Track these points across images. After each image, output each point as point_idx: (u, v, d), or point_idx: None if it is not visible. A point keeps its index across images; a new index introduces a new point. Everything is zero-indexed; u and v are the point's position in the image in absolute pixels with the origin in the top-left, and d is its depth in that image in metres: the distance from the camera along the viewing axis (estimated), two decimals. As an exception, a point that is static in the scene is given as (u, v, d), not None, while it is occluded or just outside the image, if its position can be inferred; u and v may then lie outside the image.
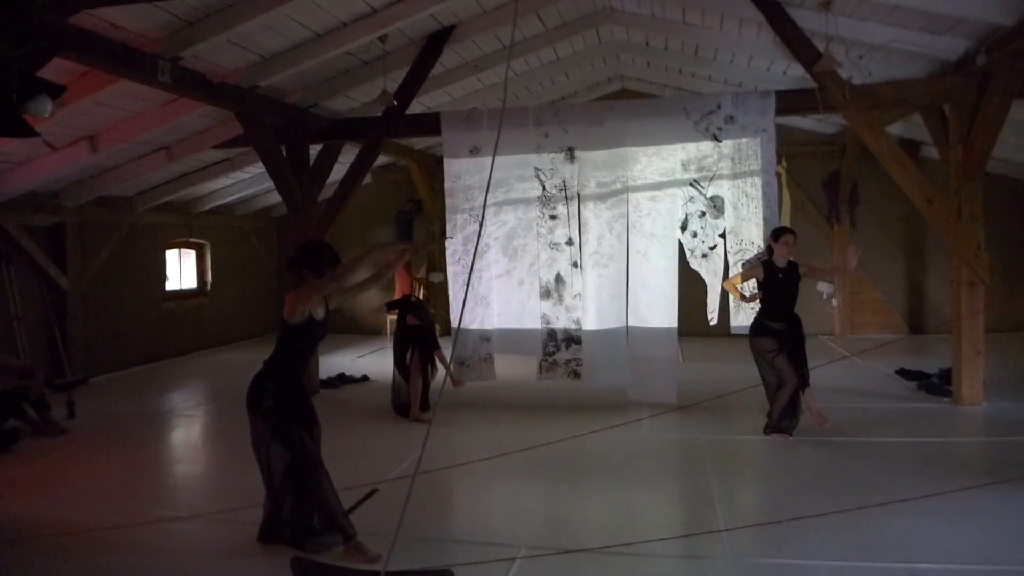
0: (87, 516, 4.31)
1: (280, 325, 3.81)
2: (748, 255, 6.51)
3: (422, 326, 6.74)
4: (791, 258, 5.75)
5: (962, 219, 6.34)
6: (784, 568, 3.49)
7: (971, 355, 6.42)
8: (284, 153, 7.45)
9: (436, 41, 7.10)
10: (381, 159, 11.33)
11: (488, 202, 6.97)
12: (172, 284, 10.54)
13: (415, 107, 7.89)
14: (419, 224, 11.97)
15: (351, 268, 3.90)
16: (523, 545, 3.78)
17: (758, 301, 5.96)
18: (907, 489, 4.28)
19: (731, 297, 6.55)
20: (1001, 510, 4.10)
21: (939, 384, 7.00)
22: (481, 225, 6.44)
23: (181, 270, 10.90)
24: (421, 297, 11.64)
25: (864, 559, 3.53)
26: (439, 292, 11.26)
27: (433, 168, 11.18)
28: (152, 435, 6.41)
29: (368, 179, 11.98)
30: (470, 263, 6.87)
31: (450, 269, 7.15)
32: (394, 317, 11.82)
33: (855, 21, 6.27)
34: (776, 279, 5.71)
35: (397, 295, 11.64)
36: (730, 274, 6.51)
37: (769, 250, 5.86)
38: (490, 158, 6.97)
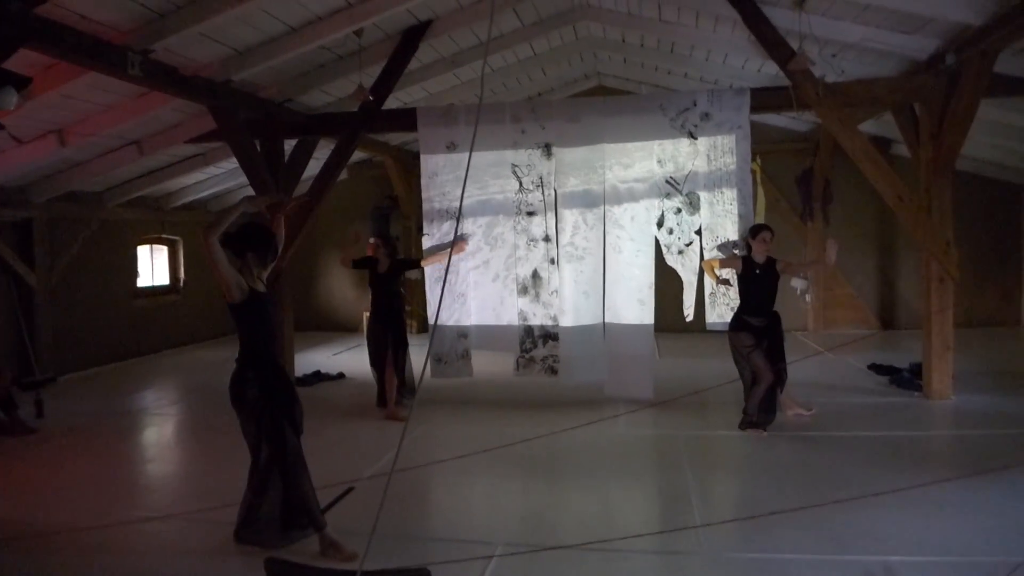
0: (55, 517, 4.23)
1: (232, 315, 3.78)
2: (723, 251, 6.56)
3: (397, 316, 6.69)
4: (768, 255, 5.82)
5: (932, 216, 6.45)
6: (760, 562, 3.53)
7: (941, 350, 6.53)
8: (258, 148, 7.35)
9: (412, 36, 7.05)
10: (357, 155, 11.22)
11: (465, 198, 6.95)
12: (144, 281, 10.38)
13: (391, 102, 7.83)
14: (395, 220, 11.90)
15: (221, 220, 3.68)
16: (500, 543, 3.77)
17: (736, 295, 6.01)
18: (879, 482, 4.34)
19: (707, 293, 6.61)
20: (971, 502, 4.17)
21: (910, 378, 7.12)
22: (458, 221, 6.42)
23: (153, 267, 10.73)
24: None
25: (838, 552, 3.58)
26: (416, 288, 11.20)
27: (410, 164, 11.11)
28: (122, 434, 6.30)
29: (344, 175, 11.91)
30: (447, 260, 6.85)
31: (426, 265, 7.11)
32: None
33: (828, 20, 6.34)
34: (754, 275, 5.77)
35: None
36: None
37: (748, 247, 5.91)
38: (467, 154, 6.96)
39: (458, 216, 4.99)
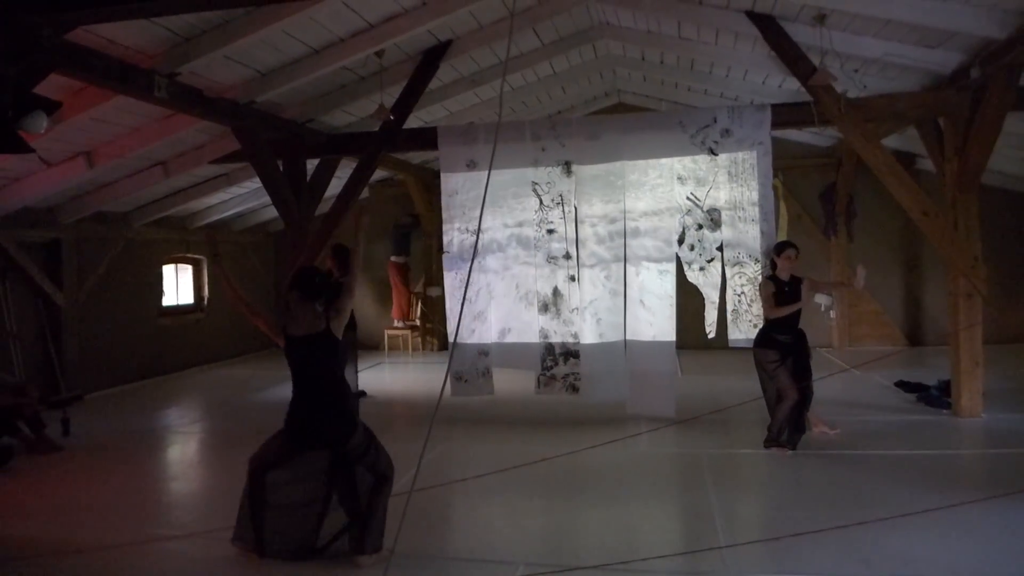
0: (82, 535, 4.27)
1: None
2: (745, 268, 6.52)
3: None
4: (794, 272, 5.78)
5: (959, 231, 6.35)
6: (787, 584, 3.47)
7: (970, 367, 6.40)
8: (281, 168, 7.45)
9: (433, 56, 7.12)
10: (379, 173, 11.34)
11: (485, 216, 6.97)
12: (169, 300, 10.51)
13: (412, 122, 7.90)
14: (416, 238, 11.97)
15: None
16: (522, 562, 3.74)
17: (760, 311, 5.96)
18: (908, 503, 4.25)
19: (729, 309, 6.56)
20: (1002, 524, 4.06)
21: (938, 396, 6.98)
22: (477, 239, 6.43)
23: (178, 286, 10.87)
24: (418, 312, 11.62)
25: (865, 574, 3.50)
26: (437, 307, 11.24)
27: (431, 182, 11.18)
28: (148, 453, 6.35)
29: (366, 193, 11.97)
30: (467, 277, 6.87)
31: (447, 283, 7.14)
32: (393, 332, 11.85)
33: (849, 35, 6.31)
34: (782, 292, 5.72)
35: (395, 310, 11.65)
36: (728, 286, 6.54)
37: (772, 264, 5.87)
38: (487, 172, 6.99)
39: (477, 233, 4.98)
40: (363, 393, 8.49)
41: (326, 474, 3.81)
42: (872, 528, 3.91)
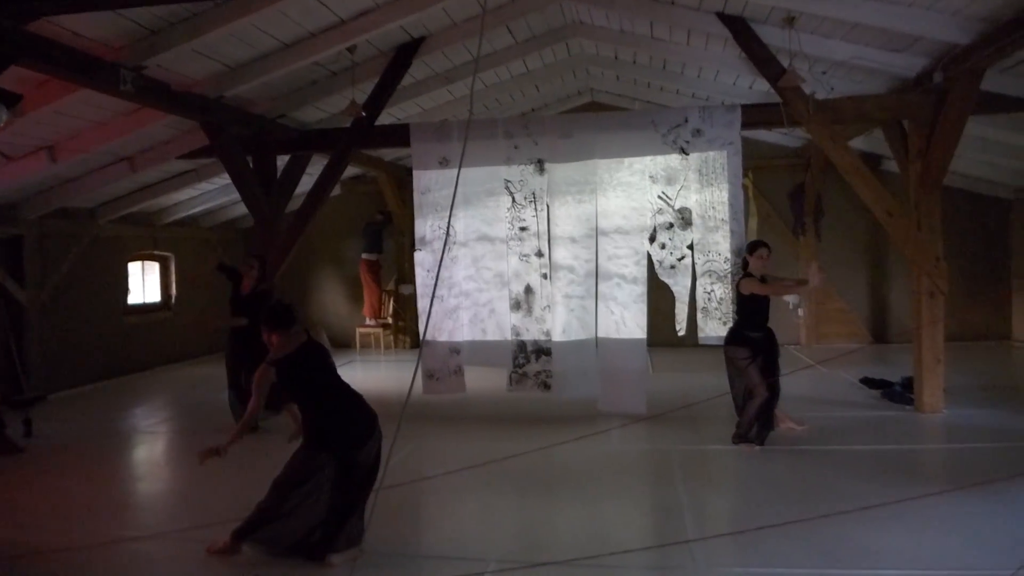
0: (44, 537, 4.18)
1: None
2: (716, 266, 6.58)
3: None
4: (766, 271, 5.85)
5: (921, 231, 6.48)
6: (753, 577, 3.52)
7: (932, 364, 6.54)
8: (251, 164, 7.36)
9: (405, 52, 7.09)
10: (351, 170, 11.25)
11: (458, 214, 6.96)
12: (135, 298, 10.33)
13: (385, 118, 7.86)
14: (388, 236, 11.90)
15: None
16: (492, 560, 3.74)
17: (729, 309, 6.03)
18: (871, 496, 4.33)
19: (699, 307, 6.63)
20: (962, 516, 4.17)
21: (902, 392, 7.12)
22: (447, 234, 6.42)
23: (144, 283, 10.68)
24: (390, 310, 11.57)
25: (830, 566, 3.57)
26: (409, 304, 11.19)
27: (403, 180, 11.13)
28: (112, 453, 6.24)
29: (337, 190, 11.90)
30: (438, 275, 6.87)
31: (419, 281, 7.11)
32: (365, 330, 11.77)
33: (818, 38, 6.41)
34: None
35: (366, 308, 11.57)
36: (697, 285, 6.60)
37: (744, 263, 5.93)
38: (460, 169, 6.98)
39: (447, 228, 4.99)
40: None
41: (332, 480, 3.77)
42: (835, 521, 3.98)
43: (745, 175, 9.76)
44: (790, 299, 10.81)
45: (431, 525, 4.57)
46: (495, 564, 3.68)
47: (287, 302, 4.18)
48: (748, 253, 5.90)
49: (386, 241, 11.85)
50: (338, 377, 3.97)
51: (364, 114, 7.04)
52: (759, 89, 8.01)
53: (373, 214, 11.84)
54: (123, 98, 5.70)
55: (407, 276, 11.33)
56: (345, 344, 11.91)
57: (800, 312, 11.06)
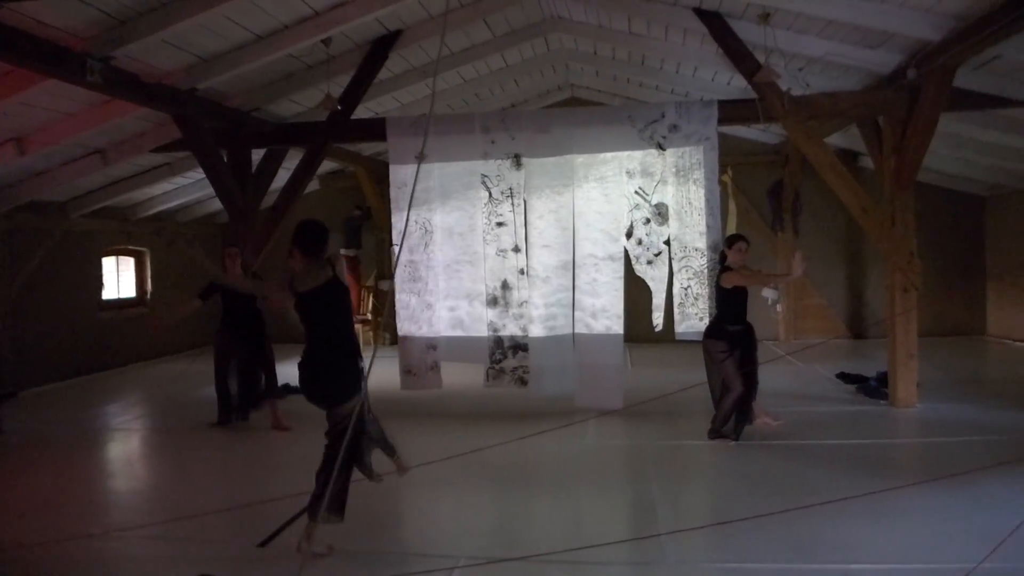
0: (10, 534, 4.11)
1: None
2: (692, 262, 6.59)
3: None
4: (745, 265, 5.86)
5: (896, 227, 6.53)
6: (723, 571, 3.52)
7: (905, 359, 6.59)
8: (225, 158, 7.27)
9: (382, 45, 7.03)
10: (330, 165, 11.18)
11: (434, 208, 6.92)
12: (109, 293, 10.18)
13: (363, 113, 7.79)
14: (367, 231, 11.82)
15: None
16: (464, 555, 3.72)
17: (706, 304, 6.03)
18: (842, 490, 4.34)
19: (676, 303, 6.64)
20: (931, 509, 4.21)
21: (876, 387, 7.18)
22: (424, 230, 6.37)
23: (119, 279, 10.53)
24: (369, 306, 11.50)
25: (802, 560, 3.57)
26: (388, 300, 11.11)
27: (382, 175, 10.93)
28: (82, 450, 6.13)
29: (316, 185, 11.83)
30: (416, 270, 6.83)
31: (396, 277, 7.07)
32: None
33: (793, 34, 6.43)
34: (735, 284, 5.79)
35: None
36: (674, 280, 6.61)
37: (723, 257, 5.93)
38: (437, 164, 6.95)
39: (407, 222, 4.94)
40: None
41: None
42: (806, 515, 3.98)
43: (725, 171, 9.82)
44: (769, 295, 10.87)
45: (403, 520, 4.53)
46: (466, 560, 3.66)
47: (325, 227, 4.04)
48: (727, 247, 5.89)
49: (365, 237, 11.77)
50: (350, 323, 3.97)
51: (340, 108, 6.97)
52: (737, 86, 8.03)
53: (351, 209, 11.75)
54: (91, 89, 5.59)
55: (387, 272, 11.27)
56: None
57: (779, 308, 11.13)
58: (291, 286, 3.82)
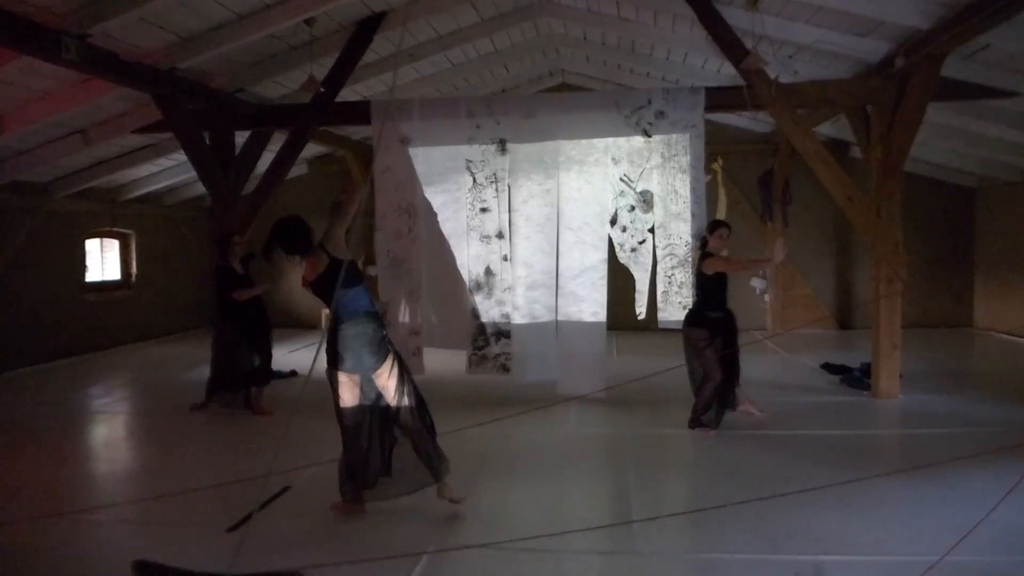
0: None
1: None
2: (677, 250, 6.56)
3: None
4: (725, 252, 5.81)
5: (881, 217, 6.50)
6: (697, 561, 3.52)
7: (888, 349, 6.58)
8: (207, 140, 7.18)
9: (367, 27, 6.94)
10: (318, 149, 11.09)
11: (418, 194, 6.86)
12: (94, 275, 10.10)
13: (350, 95, 7.69)
14: (355, 216, 11.72)
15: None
16: (432, 543, 3.70)
17: (689, 293, 6.00)
18: (818, 480, 4.33)
19: (659, 291, 6.60)
20: (905, 500, 4.21)
21: (860, 378, 7.17)
22: (407, 215, 6.32)
23: (104, 261, 10.45)
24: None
25: (772, 551, 3.56)
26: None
27: (371, 159, 10.96)
28: (62, 432, 6.08)
29: (304, 169, 11.75)
30: (399, 256, 6.78)
31: (379, 262, 7.02)
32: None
33: (782, 20, 6.36)
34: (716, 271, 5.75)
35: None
36: (658, 268, 6.57)
37: (703, 243, 5.88)
38: (421, 149, 6.89)
39: (371, 207, 4.91)
40: (294, 373, 8.33)
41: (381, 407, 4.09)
42: (780, 504, 3.97)
43: (715, 159, 9.77)
44: (757, 284, 10.85)
45: (376, 507, 4.50)
46: (434, 546, 3.64)
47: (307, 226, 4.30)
48: (708, 232, 5.84)
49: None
50: (364, 293, 4.22)
51: (323, 90, 6.89)
52: (728, 73, 7.95)
53: (339, 194, 11.63)
54: (67, 67, 5.49)
55: (374, 257, 11.19)
56: (312, 326, 11.77)
57: (767, 298, 11.11)
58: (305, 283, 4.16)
